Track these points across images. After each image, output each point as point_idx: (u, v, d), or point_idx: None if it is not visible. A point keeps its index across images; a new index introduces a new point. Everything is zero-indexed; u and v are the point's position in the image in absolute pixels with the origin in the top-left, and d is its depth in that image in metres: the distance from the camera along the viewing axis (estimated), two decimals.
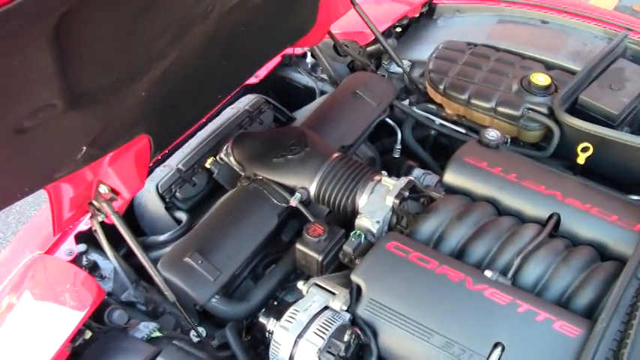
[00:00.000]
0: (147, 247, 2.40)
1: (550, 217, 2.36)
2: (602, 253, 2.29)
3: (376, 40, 3.25)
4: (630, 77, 2.89)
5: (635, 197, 2.60)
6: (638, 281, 2.05)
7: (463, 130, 3.01)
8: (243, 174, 2.63)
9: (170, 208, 2.67)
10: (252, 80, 3.18)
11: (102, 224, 2.31)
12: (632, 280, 2.04)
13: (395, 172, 2.83)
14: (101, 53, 1.56)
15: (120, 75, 1.70)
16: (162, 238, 2.54)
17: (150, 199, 2.66)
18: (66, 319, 2.16)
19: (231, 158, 2.66)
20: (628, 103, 2.77)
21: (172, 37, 1.74)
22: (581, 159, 2.70)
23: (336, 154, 2.57)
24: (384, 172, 2.55)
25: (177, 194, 2.68)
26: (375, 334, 2.10)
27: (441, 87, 3.01)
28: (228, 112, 2.98)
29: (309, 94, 3.32)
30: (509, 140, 2.91)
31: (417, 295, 2.13)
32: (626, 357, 1.83)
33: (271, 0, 2.28)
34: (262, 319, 2.18)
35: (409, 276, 2.16)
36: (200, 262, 2.29)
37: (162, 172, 2.70)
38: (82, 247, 2.47)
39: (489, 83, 2.96)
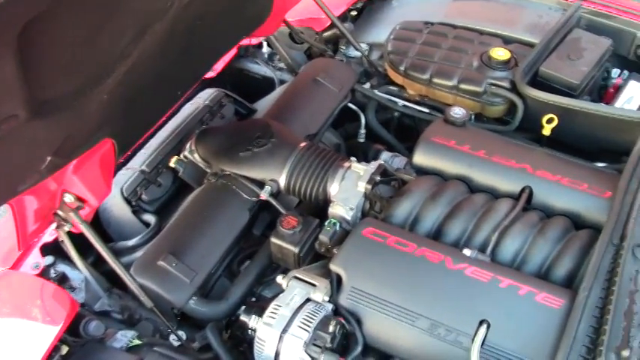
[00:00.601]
0: (116, 253, 2.33)
1: (522, 190, 2.36)
2: (575, 222, 2.30)
3: (332, 26, 3.23)
4: (587, 46, 2.90)
5: (602, 164, 2.62)
6: (614, 247, 2.06)
7: (427, 110, 3.00)
8: (209, 171, 2.58)
9: (137, 211, 2.61)
10: (210, 74, 3.12)
11: (69, 234, 2.24)
12: (608, 247, 2.05)
13: (361, 156, 2.81)
14: (65, 58, 1.51)
15: (83, 80, 1.64)
16: (131, 242, 2.48)
17: (115, 203, 2.59)
18: (40, 336, 2.08)
19: (196, 155, 2.60)
20: (587, 72, 2.79)
21: (133, 37, 1.69)
22: (546, 130, 2.71)
23: (303, 144, 2.54)
24: (353, 158, 2.52)
25: (143, 196, 2.63)
26: (359, 322, 2.09)
27: (402, 68, 2.99)
28: (188, 109, 2.93)
29: (268, 85, 3.27)
30: (473, 117, 2.91)
31: (398, 280, 2.12)
32: (610, 324, 1.84)
33: None
34: (243, 317, 2.15)
35: (389, 261, 2.14)
36: (174, 264, 2.24)
37: (126, 175, 2.64)
38: (49, 259, 2.38)
39: (450, 61, 2.95)
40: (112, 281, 2.34)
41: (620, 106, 2.82)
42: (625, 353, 1.74)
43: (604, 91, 3.01)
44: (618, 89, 2.92)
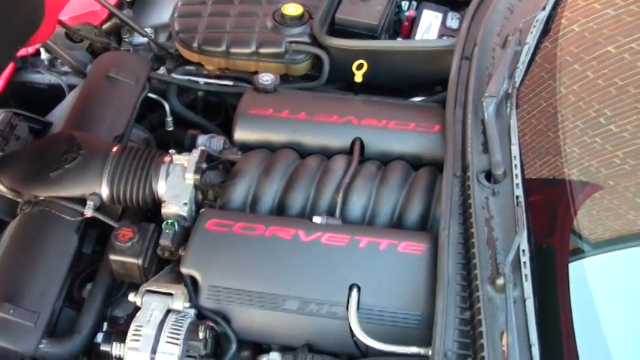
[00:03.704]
0: None
1: (353, 143, 2.32)
2: (413, 162, 2.29)
3: (111, 16, 3.00)
4: None
5: (418, 99, 2.63)
6: (459, 180, 2.06)
7: (230, 83, 2.86)
8: (21, 200, 2.32)
9: None
10: None
11: None
12: (454, 181, 2.05)
13: (174, 145, 2.65)
14: None
15: None
16: None
17: None
18: None
19: (1, 187, 2.32)
20: (383, 10, 2.76)
21: None
22: (358, 77, 2.66)
23: (115, 148, 2.33)
24: (172, 150, 2.35)
25: None
26: (226, 319, 1.97)
27: (195, 45, 2.83)
28: None
29: (56, 92, 2.99)
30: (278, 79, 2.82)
31: (254, 266, 2.01)
32: (478, 256, 1.83)
33: None
34: (104, 347, 1.97)
35: (240, 249, 2.03)
36: (12, 311, 1.99)
37: None
38: None
39: (243, 28, 2.82)
40: None
41: (420, 37, 2.84)
42: (500, 281, 1.74)
43: (399, 26, 3.02)
44: (413, 21, 2.94)
